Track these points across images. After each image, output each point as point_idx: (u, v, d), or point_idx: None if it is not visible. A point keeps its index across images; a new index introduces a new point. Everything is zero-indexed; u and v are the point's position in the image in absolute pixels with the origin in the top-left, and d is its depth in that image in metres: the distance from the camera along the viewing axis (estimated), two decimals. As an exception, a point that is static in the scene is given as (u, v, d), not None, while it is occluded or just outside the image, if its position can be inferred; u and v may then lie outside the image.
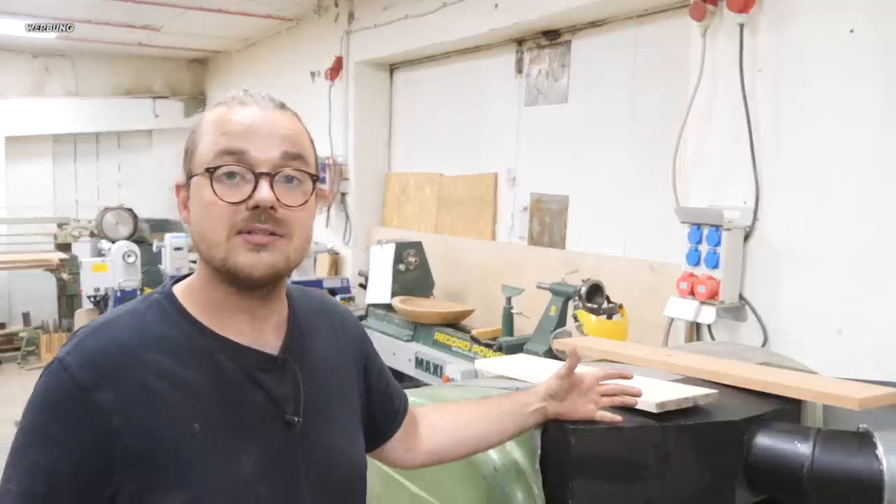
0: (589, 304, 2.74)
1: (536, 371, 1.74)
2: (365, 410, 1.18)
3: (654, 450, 1.39)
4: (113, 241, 5.65)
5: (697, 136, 2.70)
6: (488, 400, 1.37)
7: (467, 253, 4.32)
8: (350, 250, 5.30)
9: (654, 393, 1.46)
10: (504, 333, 3.25)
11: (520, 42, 4.04)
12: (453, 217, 4.63)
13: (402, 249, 3.99)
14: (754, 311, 2.50)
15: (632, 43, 3.40)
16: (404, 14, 4.47)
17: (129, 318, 0.98)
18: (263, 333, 1.03)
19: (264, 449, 0.98)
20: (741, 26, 2.48)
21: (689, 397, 1.47)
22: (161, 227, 6.46)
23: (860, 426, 1.41)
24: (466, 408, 1.35)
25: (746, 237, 2.51)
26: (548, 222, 3.91)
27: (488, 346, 3.17)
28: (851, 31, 2.22)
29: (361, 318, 4.02)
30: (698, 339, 2.71)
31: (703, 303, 2.54)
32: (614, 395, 1.37)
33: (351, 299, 4.73)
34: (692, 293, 2.55)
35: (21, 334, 6.84)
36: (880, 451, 1.34)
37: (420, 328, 3.63)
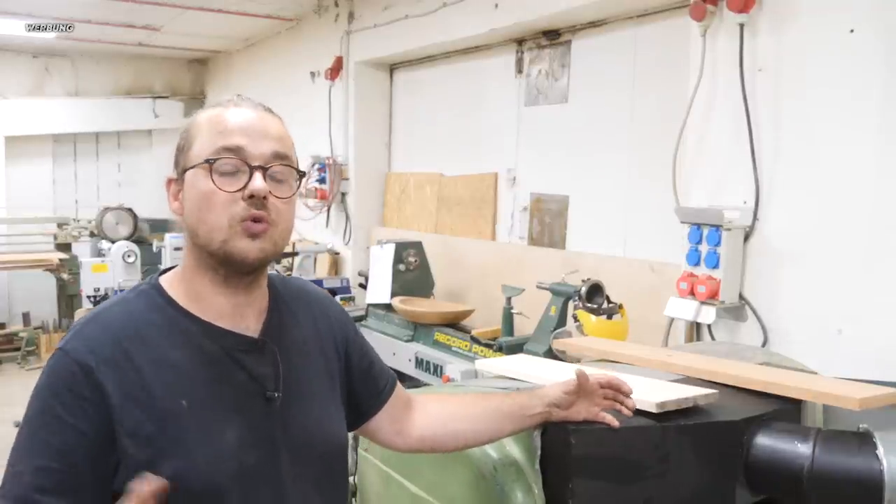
0: (589, 304, 2.74)
1: (536, 371, 1.75)
2: (345, 388, 1.27)
3: (655, 450, 1.40)
4: (113, 241, 5.66)
5: (697, 136, 2.70)
6: (491, 398, 1.39)
7: (467, 253, 4.31)
8: (350, 250, 5.29)
9: (655, 393, 1.46)
10: (504, 333, 3.24)
11: (520, 42, 4.04)
12: (453, 217, 4.63)
13: (401, 249, 3.98)
14: (754, 311, 2.50)
15: (632, 43, 3.40)
16: (404, 14, 4.47)
17: (121, 307, 1.10)
18: (245, 318, 1.13)
19: (247, 422, 1.08)
20: (741, 26, 2.48)
21: (689, 397, 1.47)
22: (161, 227, 6.46)
23: (860, 426, 1.42)
24: (467, 403, 1.39)
25: (746, 237, 2.51)
26: (548, 222, 3.91)
27: (488, 346, 3.16)
28: (851, 31, 2.23)
29: (361, 318, 4.01)
30: (698, 339, 2.71)
31: (703, 303, 2.54)
32: (615, 400, 1.40)
33: (351, 299, 4.72)
34: (692, 293, 2.54)
35: (21, 334, 6.82)
36: (880, 451, 1.34)
37: (420, 328, 3.63)
